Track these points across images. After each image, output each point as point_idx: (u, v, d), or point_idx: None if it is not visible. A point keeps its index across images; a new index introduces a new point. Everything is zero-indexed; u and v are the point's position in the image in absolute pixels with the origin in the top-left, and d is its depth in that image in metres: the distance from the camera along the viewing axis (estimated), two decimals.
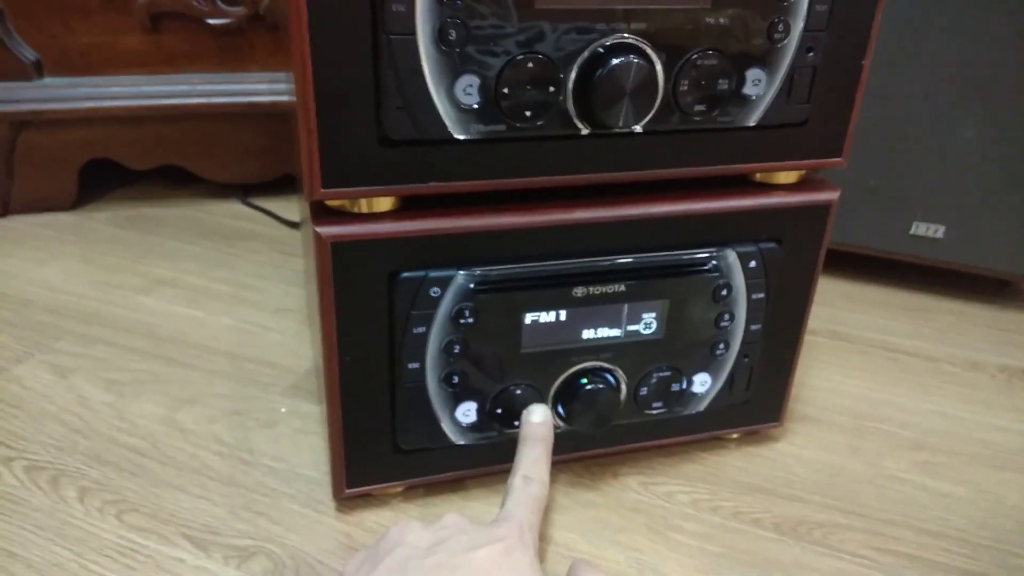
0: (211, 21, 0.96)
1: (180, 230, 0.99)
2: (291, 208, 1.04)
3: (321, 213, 0.46)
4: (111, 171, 1.02)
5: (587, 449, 0.59)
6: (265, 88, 1.00)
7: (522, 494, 0.46)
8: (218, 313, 0.80)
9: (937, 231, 0.83)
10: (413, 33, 0.40)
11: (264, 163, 1.06)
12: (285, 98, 0.92)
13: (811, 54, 0.47)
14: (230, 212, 1.05)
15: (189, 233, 0.98)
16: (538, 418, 0.51)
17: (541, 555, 0.52)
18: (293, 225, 1.00)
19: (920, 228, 0.83)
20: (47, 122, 0.96)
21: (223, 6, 0.95)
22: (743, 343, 0.56)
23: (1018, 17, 0.73)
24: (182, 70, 0.98)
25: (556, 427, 0.55)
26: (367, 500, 0.56)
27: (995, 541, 0.56)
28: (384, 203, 0.46)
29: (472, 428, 0.53)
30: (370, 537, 0.54)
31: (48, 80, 0.95)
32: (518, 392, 0.53)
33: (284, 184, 1.07)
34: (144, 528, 0.54)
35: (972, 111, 0.77)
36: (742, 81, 0.47)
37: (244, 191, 1.08)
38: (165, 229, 0.99)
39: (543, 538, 0.54)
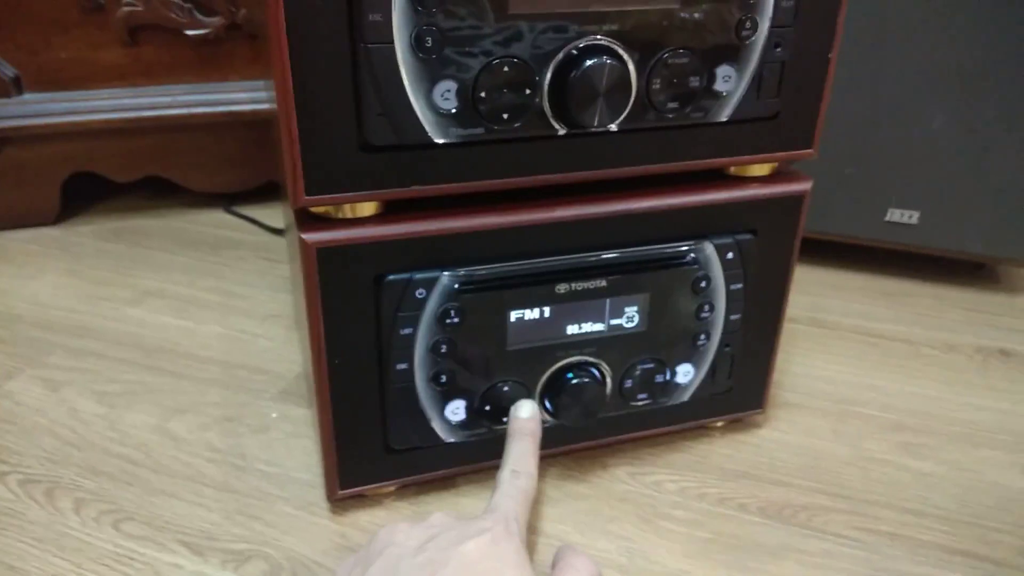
0: (189, 32, 0.96)
1: (166, 241, 0.99)
2: (275, 215, 1.05)
3: (306, 220, 0.47)
4: (94, 184, 1.02)
5: (575, 442, 0.60)
6: (245, 97, 1.00)
7: (509, 487, 0.47)
8: (207, 322, 0.81)
9: (912, 217, 0.85)
10: (390, 41, 0.41)
11: (247, 171, 1.07)
12: (266, 106, 0.93)
13: (779, 49, 0.49)
14: (214, 221, 1.05)
15: (175, 243, 0.98)
16: (525, 413, 0.53)
17: (533, 547, 0.54)
18: (278, 232, 1.01)
19: (895, 214, 0.85)
20: (28, 138, 0.96)
21: (201, 17, 0.96)
22: (724, 333, 0.58)
23: (987, 5, 0.74)
24: (162, 81, 0.99)
25: (544, 422, 0.56)
26: (360, 500, 0.57)
27: (975, 517, 0.58)
28: (368, 208, 0.47)
29: (462, 426, 0.54)
30: (365, 537, 0.55)
31: (28, 96, 0.95)
32: (505, 389, 0.54)
33: (267, 191, 1.08)
34: (141, 536, 0.54)
35: (943, 98, 0.79)
36: (713, 78, 0.48)
37: (228, 200, 1.09)
38: (151, 240, 0.99)
39: (535, 531, 0.55)
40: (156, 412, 0.67)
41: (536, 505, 0.57)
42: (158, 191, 1.09)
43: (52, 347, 0.76)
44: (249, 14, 0.96)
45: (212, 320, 0.81)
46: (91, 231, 1.02)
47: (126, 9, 0.93)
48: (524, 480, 0.48)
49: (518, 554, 0.41)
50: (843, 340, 0.80)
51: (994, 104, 0.77)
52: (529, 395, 0.55)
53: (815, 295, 0.87)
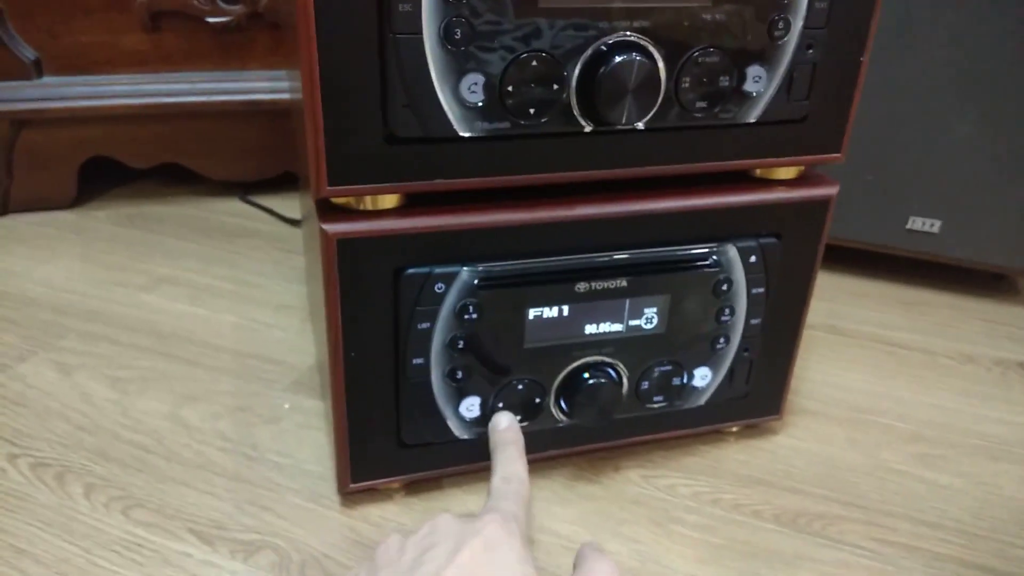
0: (211, 19, 0.96)
1: (181, 228, 0.99)
2: (291, 206, 1.04)
3: (327, 210, 0.47)
4: (111, 169, 1.02)
5: (589, 443, 0.59)
6: (265, 86, 1.00)
7: (504, 491, 0.46)
8: (220, 310, 0.80)
9: (933, 225, 0.84)
10: (419, 32, 0.41)
11: (264, 161, 1.07)
12: (286, 96, 0.92)
13: (811, 51, 0.48)
14: (230, 210, 1.05)
15: (190, 231, 0.98)
16: (504, 423, 0.52)
17: (545, 547, 0.53)
18: (293, 222, 1.01)
19: (916, 223, 0.84)
20: (46, 121, 0.96)
21: (223, 4, 0.95)
22: (743, 337, 0.57)
23: (1015, 12, 0.73)
24: (182, 68, 0.99)
25: (558, 421, 0.55)
26: (371, 494, 0.57)
27: (992, 531, 0.57)
28: (389, 200, 0.47)
29: (476, 423, 0.54)
30: (375, 531, 0.54)
31: (47, 79, 0.95)
32: (521, 387, 0.53)
33: (284, 182, 1.08)
34: (150, 523, 0.54)
35: (968, 106, 0.78)
36: (743, 78, 0.47)
37: (244, 189, 1.09)
38: (166, 227, 0.99)
39: (546, 531, 0.55)
40: (168, 399, 0.66)
41: (547, 504, 0.57)
42: (174, 178, 1.09)
43: (65, 331, 0.76)
44: (271, 3, 0.96)
45: (226, 309, 0.81)
46: (107, 216, 1.02)
47: None
48: (516, 484, 0.47)
49: (519, 558, 0.40)
50: (860, 348, 0.79)
51: (1020, 112, 0.76)
52: (545, 394, 0.54)
53: (833, 301, 0.87)
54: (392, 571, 0.40)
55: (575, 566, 0.44)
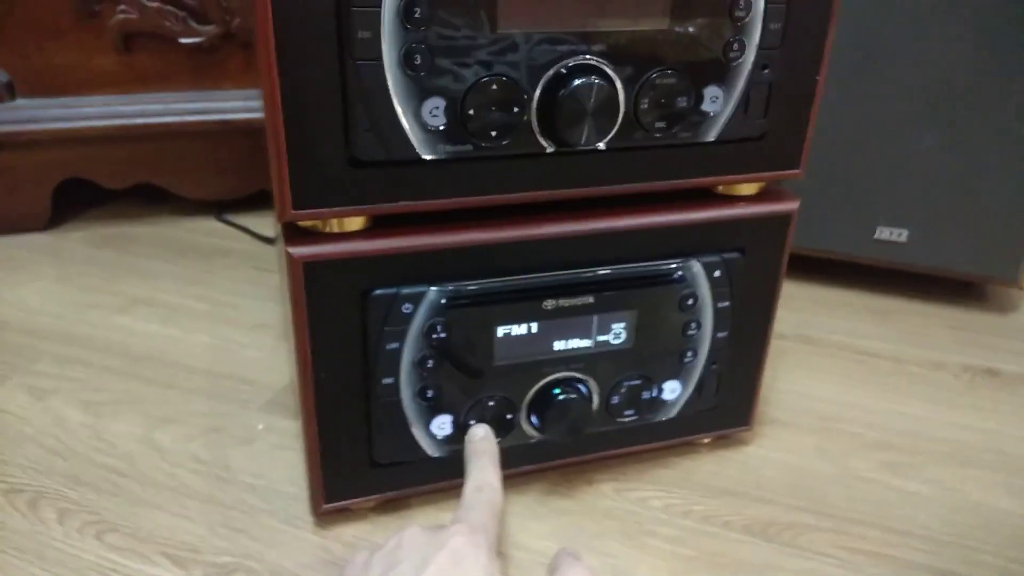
0: (183, 40, 0.96)
1: (156, 248, 0.99)
2: (266, 224, 1.05)
3: (293, 234, 0.47)
4: (85, 191, 1.02)
5: (561, 457, 0.60)
6: (239, 105, 1.00)
7: (474, 500, 0.46)
8: (195, 331, 0.80)
9: (901, 235, 0.85)
10: (379, 58, 0.42)
11: (239, 179, 1.07)
12: (259, 115, 0.93)
13: (766, 71, 0.49)
14: (205, 229, 1.05)
15: (165, 251, 0.98)
16: (480, 433, 0.53)
17: (518, 563, 0.54)
18: (268, 241, 1.01)
19: (884, 232, 0.85)
20: (20, 143, 0.96)
21: (195, 25, 0.96)
22: (711, 350, 0.58)
23: (975, 25, 0.75)
24: (155, 89, 0.99)
25: (530, 437, 0.56)
26: (345, 514, 0.57)
27: (960, 537, 0.58)
28: (355, 223, 0.47)
29: (447, 441, 0.54)
30: (348, 551, 0.54)
31: (20, 101, 0.95)
32: (492, 404, 0.54)
33: (259, 200, 1.08)
34: (124, 548, 0.54)
35: (933, 118, 0.79)
36: (700, 98, 0.48)
37: (219, 208, 1.09)
38: (141, 248, 0.99)
39: (520, 546, 0.55)
40: (142, 422, 0.66)
41: (521, 519, 0.57)
42: (150, 198, 1.08)
43: (39, 354, 0.75)
44: (243, 23, 0.96)
45: (200, 329, 0.81)
46: (81, 238, 1.02)
47: (121, 16, 0.93)
48: (488, 493, 0.47)
49: (484, 570, 0.40)
50: (830, 357, 0.80)
51: (984, 123, 0.78)
52: (516, 411, 0.55)
53: (802, 311, 0.88)
54: None
55: (550, 570, 0.44)
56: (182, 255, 0.97)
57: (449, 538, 0.41)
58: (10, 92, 0.95)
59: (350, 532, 0.56)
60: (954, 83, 0.77)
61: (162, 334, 0.80)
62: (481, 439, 0.52)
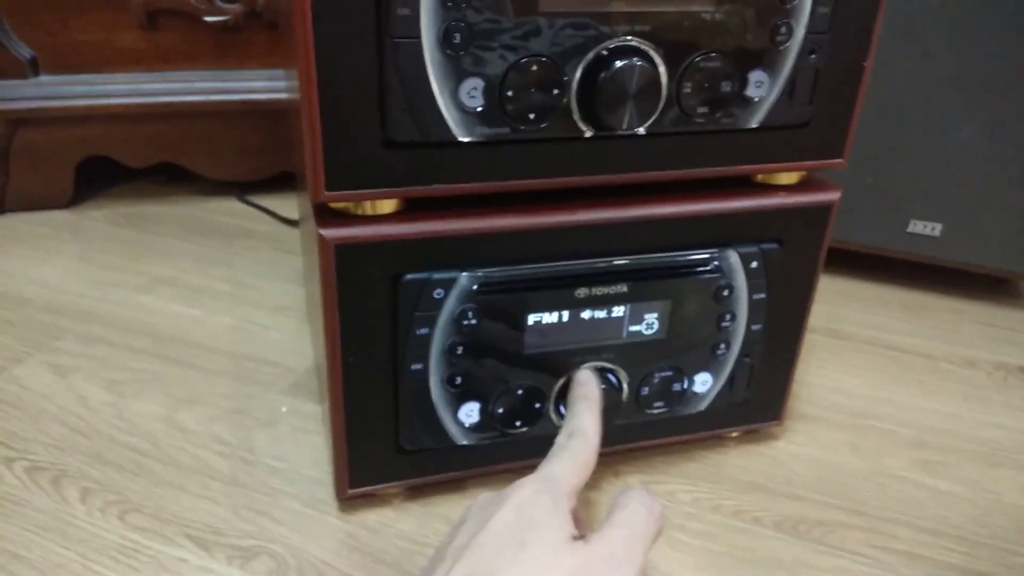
0: (208, 19, 0.95)
1: (178, 228, 0.98)
2: (289, 206, 1.04)
3: (325, 215, 0.46)
4: (108, 169, 1.02)
5: None
6: (263, 85, 0.99)
7: (560, 450, 0.45)
8: (217, 312, 0.80)
9: (935, 229, 0.83)
10: (418, 36, 0.40)
11: (262, 160, 1.06)
12: (283, 95, 0.92)
13: (813, 56, 0.47)
14: (228, 210, 1.05)
15: (187, 231, 0.98)
16: (583, 378, 0.52)
17: None
18: (291, 223, 1.00)
19: (918, 226, 0.84)
20: (43, 120, 0.96)
21: (220, 4, 0.95)
22: (744, 343, 0.57)
23: (1016, 16, 0.73)
24: (179, 67, 0.98)
25: (559, 427, 0.55)
26: (369, 499, 0.56)
27: (993, 538, 0.57)
28: (388, 205, 0.47)
29: (475, 429, 0.54)
30: (373, 536, 0.54)
31: (44, 78, 0.95)
32: (520, 393, 0.53)
33: (282, 181, 1.07)
34: (146, 528, 0.54)
35: (970, 110, 0.77)
36: (745, 83, 0.47)
37: (242, 189, 1.08)
38: (163, 227, 0.99)
39: None
40: (165, 402, 0.66)
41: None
42: (172, 178, 1.08)
43: (61, 332, 0.75)
44: (269, 2, 0.95)
45: (223, 310, 0.80)
46: (103, 216, 1.01)
47: None
48: (577, 442, 0.45)
49: (551, 514, 0.39)
50: (860, 352, 0.78)
51: (1022, 116, 0.76)
52: (545, 400, 0.54)
53: (833, 305, 0.86)
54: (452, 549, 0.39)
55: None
56: (204, 235, 0.97)
57: (515, 491, 0.40)
58: (34, 68, 0.94)
59: (374, 518, 0.55)
60: (995, 73, 0.75)
61: (185, 314, 0.79)
62: (583, 383, 0.51)
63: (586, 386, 0.51)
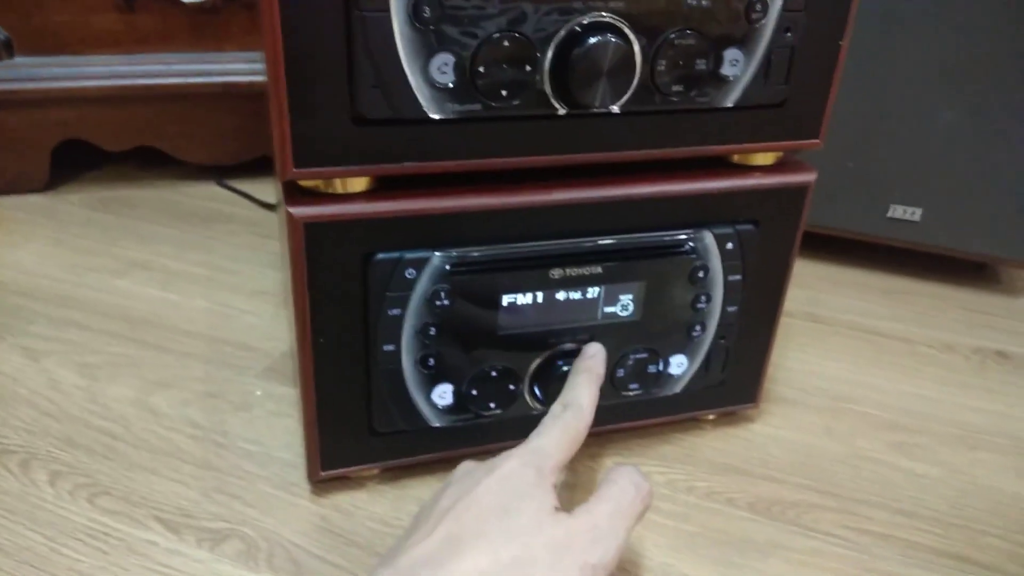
0: (186, 0, 0.94)
1: (155, 212, 0.97)
2: (268, 190, 1.03)
3: (294, 193, 0.46)
4: (84, 152, 1.01)
5: None
6: (241, 68, 0.98)
7: (550, 421, 0.45)
8: (193, 296, 0.79)
9: (914, 214, 0.83)
10: (387, 10, 0.40)
11: (240, 144, 1.05)
12: (261, 78, 0.91)
13: (789, 34, 0.47)
14: (206, 194, 1.03)
15: (164, 215, 0.97)
16: (591, 351, 0.51)
17: None
18: (270, 207, 0.99)
19: (897, 211, 0.84)
20: (18, 102, 0.94)
21: None
22: (720, 325, 0.56)
23: (997, 1, 0.73)
24: (157, 50, 0.97)
25: (533, 409, 0.55)
26: (342, 482, 0.56)
27: (967, 520, 0.57)
28: (358, 183, 0.46)
29: (448, 410, 0.53)
30: (345, 519, 0.53)
31: (19, 59, 0.93)
32: (494, 374, 0.52)
33: (261, 166, 1.06)
34: (116, 511, 0.53)
35: (950, 95, 0.77)
36: (720, 61, 0.46)
37: (220, 173, 1.07)
38: (140, 211, 0.97)
39: None
40: (137, 385, 0.65)
41: None
42: (149, 161, 1.07)
43: (35, 316, 0.74)
44: None
45: (199, 294, 0.79)
46: (80, 200, 1.00)
47: None
48: (571, 413, 0.45)
49: (533, 485, 0.40)
50: (839, 336, 0.78)
51: (1005, 100, 0.76)
52: (519, 381, 0.53)
53: (812, 289, 0.86)
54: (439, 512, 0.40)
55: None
56: (182, 220, 0.96)
57: (503, 461, 0.41)
58: (8, 50, 0.92)
59: (347, 500, 0.55)
60: (975, 57, 0.75)
61: (160, 298, 0.78)
62: (590, 356, 0.51)
63: (593, 359, 0.51)
